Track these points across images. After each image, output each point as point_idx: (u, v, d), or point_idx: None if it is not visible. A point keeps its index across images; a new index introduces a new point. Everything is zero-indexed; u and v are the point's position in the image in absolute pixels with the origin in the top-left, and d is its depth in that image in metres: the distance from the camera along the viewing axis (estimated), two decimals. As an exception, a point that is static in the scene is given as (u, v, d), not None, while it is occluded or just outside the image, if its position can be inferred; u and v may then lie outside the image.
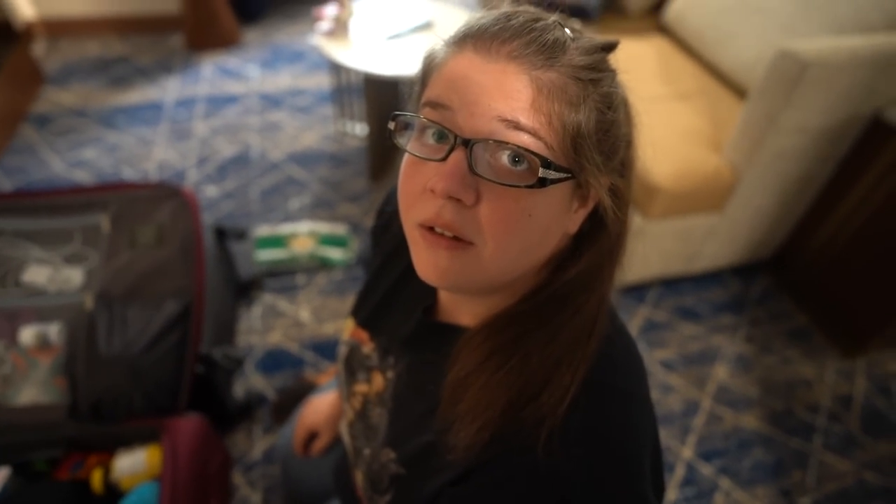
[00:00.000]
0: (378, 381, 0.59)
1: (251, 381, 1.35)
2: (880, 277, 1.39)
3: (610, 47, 0.41)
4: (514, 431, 0.41)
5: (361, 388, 0.61)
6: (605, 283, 0.44)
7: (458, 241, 0.38)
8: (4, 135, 1.95)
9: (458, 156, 0.36)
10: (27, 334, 0.99)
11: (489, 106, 0.36)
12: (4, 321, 1.00)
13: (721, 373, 1.45)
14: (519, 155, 0.36)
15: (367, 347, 0.61)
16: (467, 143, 0.36)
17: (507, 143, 0.35)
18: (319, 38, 1.69)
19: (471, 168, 0.36)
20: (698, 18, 1.80)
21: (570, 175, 0.37)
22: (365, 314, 0.62)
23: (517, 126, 0.35)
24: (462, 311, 0.51)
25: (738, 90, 1.66)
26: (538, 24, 0.38)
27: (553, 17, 0.40)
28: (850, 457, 1.31)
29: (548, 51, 0.37)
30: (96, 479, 0.93)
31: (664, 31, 1.97)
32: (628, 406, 0.44)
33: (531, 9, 0.40)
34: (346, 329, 0.67)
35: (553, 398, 0.40)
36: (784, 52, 1.21)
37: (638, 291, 1.64)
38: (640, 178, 1.41)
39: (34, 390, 0.97)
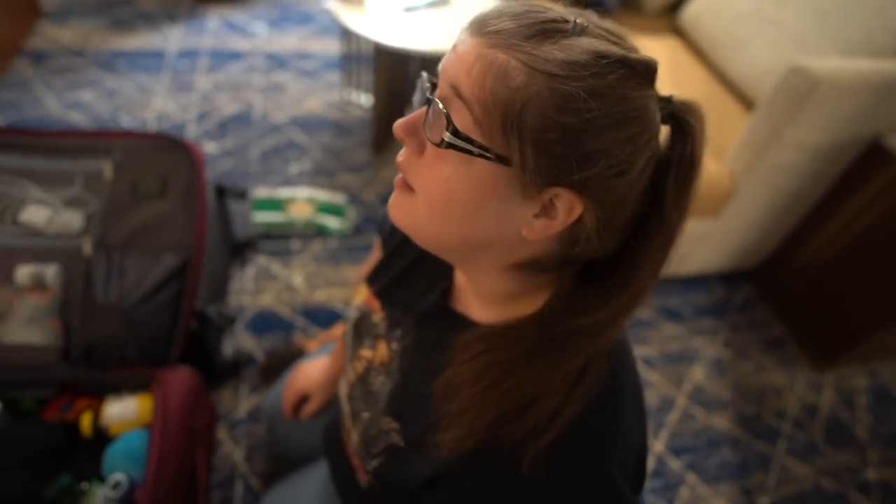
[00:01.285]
0: (383, 350, 0.61)
1: (240, 341, 1.36)
2: (858, 297, 1.45)
3: (628, 63, 0.36)
4: (496, 446, 0.43)
5: (366, 353, 0.63)
6: (615, 331, 0.44)
7: (405, 185, 0.43)
8: (-1, 67, 1.89)
9: (422, 109, 0.42)
10: (23, 273, 0.97)
11: (449, 72, 0.39)
12: (1, 258, 0.98)
13: (698, 374, 1.50)
14: (447, 117, 0.38)
15: (377, 316, 0.63)
16: (429, 102, 0.40)
17: (434, 99, 0.39)
18: (333, 3, 1.66)
19: (424, 121, 0.41)
20: (713, 23, 1.81)
21: (485, 154, 0.37)
22: (381, 285, 0.63)
23: (457, 92, 0.38)
24: (472, 304, 0.52)
25: (744, 99, 1.68)
26: (538, 15, 0.37)
27: (570, 18, 0.38)
28: (810, 463, 1.37)
29: (521, 36, 0.37)
30: (86, 422, 0.93)
31: (679, 32, 1.98)
32: (618, 437, 0.46)
33: (558, 8, 0.39)
34: (358, 294, 0.68)
35: (538, 420, 0.42)
36: (797, 67, 1.23)
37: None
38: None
39: (27, 330, 0.96)
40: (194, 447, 1.01)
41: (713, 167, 1.44)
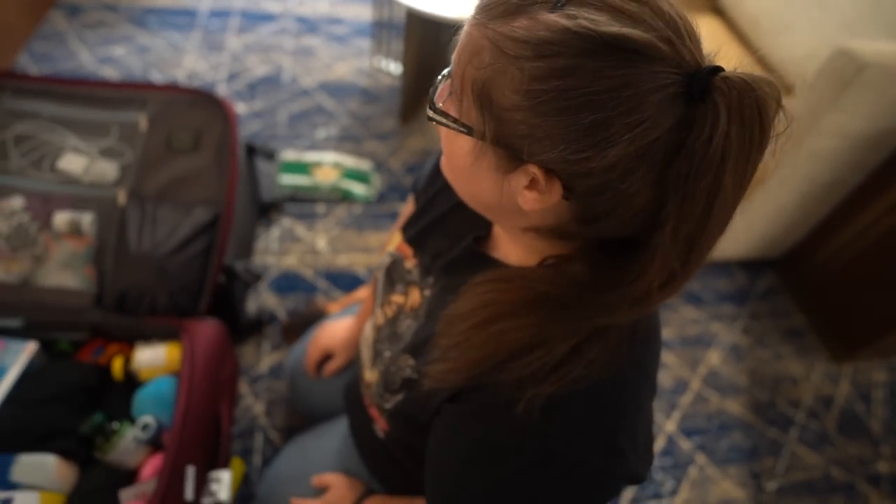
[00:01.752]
0: (415, 295, 0.62)
1: (263, 299, 1.39)
2: (882, 291, 1.42)
3: (601, 38, 0.33)
4: (493, 381, 0.44)
5: (398, 298, 0.65)
6: (625, 314, 0.42)
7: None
8: (34, 18, 1.90)
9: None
10: (60, 220, 1.00)
11: (458, 43, 0.41)
12: (39, 204, 1.01)
13: (714, 358, 1.50)
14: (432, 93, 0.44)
15: (410, 263, 0.64)
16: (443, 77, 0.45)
17: (444, 74, 0.44)
18: (369, -34, 1.63)
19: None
20: (757, 3, 1.74)
21: (456, 127, 0.41)
22: (414, 232, 0.65)
23: (450, 72, 0.42)
24: (510, 249, 0.53)
25: (783, 85, 1.63)
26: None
27: None
28: (821, 452, 1.37)
29: (497, 12, 0.37)
30: (117, 365, 0.97)
31: (719, 13, 1.92)
32: (636, 414, 0.47)
33: None
34: (392, 241, 0.69)
35: (536, 368, 0.42)
36: (842, 50, 1.19)
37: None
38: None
39: (63, 274, 1.00)
40: (218, 396, 1.04)
41: (746, 151, 1.41)
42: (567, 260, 0.46)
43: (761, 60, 1.71)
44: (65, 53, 1.86)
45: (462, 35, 0.40)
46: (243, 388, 1.24)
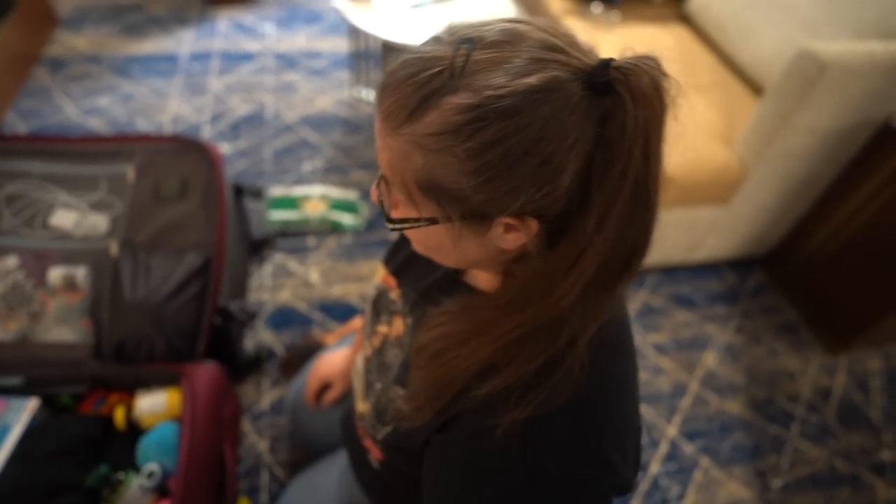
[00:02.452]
0: (398, 325, 0.64)
1: (261, 336, 1.40)
2: (869, 280, 1.45)
3: (508, 95, 0.36)
4: (462, 412, 0.47)
5: (383, 329, 0.67)
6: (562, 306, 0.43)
7: None
8: (19, 76, 1.94)
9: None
10: (55, 275, 1.02)
11: (380, 159, 0.43)
12: (33, 261, 1.03)
13: (710, 359, 1.52)
14: (382, 206, 0.46)
15: (395, 293, 0.67)
16: (378, 183, 0.46)
17: (379, 183, 0.45)
18: (341, 1, 1.68)
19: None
20: (721, 9, 1.80)
21: (420, 222, 0.43)
22: (396, 263, 0.67)
23: (386, 179, 0.44)
24: (479, 276, 0.56)
25: (754, 85, 1.68)
26: (418, 77, 0.38)
27: (448, 59, 0.37)
28: (824, 445, 1.39)
29: (405, 115, 0.38)
30: (119, 415, 0.98)
31: (686, 20, 1.98)
32: (616, 423, 0.48)
33: (436, 48, 0.39)
34: (377, 274, 0.72)
35: (505, 390, 0.44)
36: (804, 51, 1.24)
37: (638, 276, 1.69)
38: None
39: (61, 329, 1.01)
40: (221, 438, 1.05)
41: (722, 154, 1.44)
42: (522, 258, 0.47)
43: (731, 64, 1.76)
44: (51, 108, 1.90)
45: (381, 148, 0.41)
46: (246, 426, 1.25)
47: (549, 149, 0.37)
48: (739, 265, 1.75)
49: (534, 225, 0.41)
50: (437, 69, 0.37)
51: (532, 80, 0.36)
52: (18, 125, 1.82)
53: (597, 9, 1.91)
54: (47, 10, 2.19)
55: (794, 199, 1.56)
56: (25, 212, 1.08)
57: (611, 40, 1.83)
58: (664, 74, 0.38)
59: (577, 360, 0.45)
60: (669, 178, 1.40)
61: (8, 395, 0.95)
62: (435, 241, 0.46)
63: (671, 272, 1.72)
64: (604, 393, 0.48)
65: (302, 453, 1.21)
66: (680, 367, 1.49)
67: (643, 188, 0.39)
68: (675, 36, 1.88)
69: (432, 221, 0.43)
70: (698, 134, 1.49)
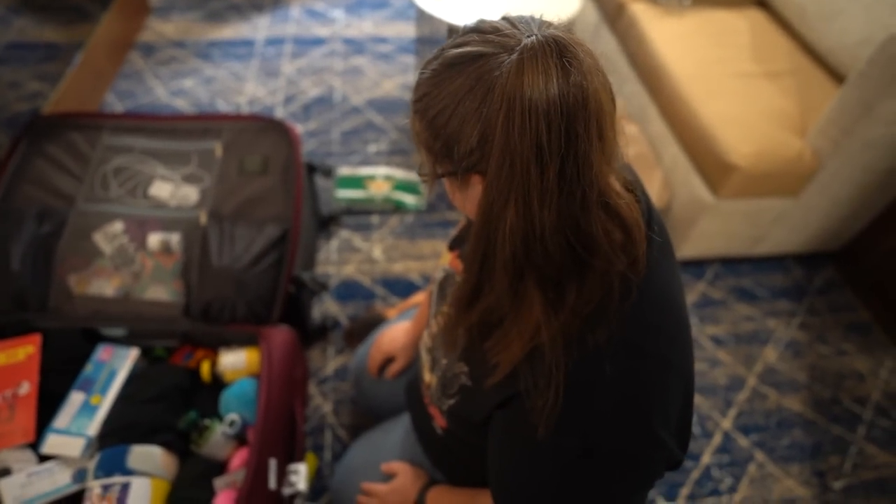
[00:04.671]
0: None
1: (327, 307, 1.49)
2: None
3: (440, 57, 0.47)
4: (520, 390, 0.50)
5: (448, 310, 0.71)
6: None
7: None
8: (117, 61, 2.11)
9: None
10: (153, 240, 1.14)
11: None
12: (135, 227, 1.15)
13: (771, 355, 1.48)
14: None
15: (460, 277, 0.71)
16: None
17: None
18: (412, -12, 1.72)
19: None
20: (803, -8, 1.71)
21: (427, 176, 0.52)
22: (461, 247, 0.71)
23: (417, 144, 0.52)
24: None
25: (835, 73, 1.59)
26: (422, 73, 0.48)
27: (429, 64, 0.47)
28: (893, 451, 1.33)
29: (413, 98, 0.49)
30: (205, 368, 1.08)
31: (764, 5, 1.89)
32: (648, 366, 0.50)
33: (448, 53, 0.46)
34: (443, 257, 0.76)
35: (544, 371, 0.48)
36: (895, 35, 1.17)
37: (697, 267, 1.66)
38: (715, 154, 1.41)
39: (157, 288, 1.13)
40: (293, 396, 1.14)
41: (795, 144, 1.39)
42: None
43: (811, 50, 1.68)
44: (143, 89, 2.06)
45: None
46: (312, 389, 1.35)
47: (459, 111, 0.44)
48: (808, 260, 1.69)
49: (477, 182, 0.47)
50: (430, 56, 0.48)
51: (471, 49, 0.44)
52: (116, 105, 1.99)
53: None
54: (140, -1, 2.37)
55: (873, 193, 1.48)
56: (129, 182, 1.20)
57: (679, 25, 1.78)
58: (572, 36, 0.43)
59: (600, 335, 0.48)
60: (736, 168, 1.40)
61: (113, 343, 1.08)
62: (451, 196, 0.53)
63: (732, 264, 1.67)
64: (640, 368, 0.50)
65: (363, 417, 1.29)
66: (738, 361, 1.47)
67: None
68: (751, 20, 1.80)
69: (437, 176, 0.50)
70: (768, 122, 1.44)
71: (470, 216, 0.53)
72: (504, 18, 0.45)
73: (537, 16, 0.45)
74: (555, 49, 0.41)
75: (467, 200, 0.50)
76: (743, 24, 1.78)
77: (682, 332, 0.54)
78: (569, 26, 0.45)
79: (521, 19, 0.44)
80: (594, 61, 0.43)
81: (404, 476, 0.85)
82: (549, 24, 0.44)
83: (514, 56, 0.41)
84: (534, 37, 0.41)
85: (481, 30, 0.45)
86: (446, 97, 0.44)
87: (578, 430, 0.49)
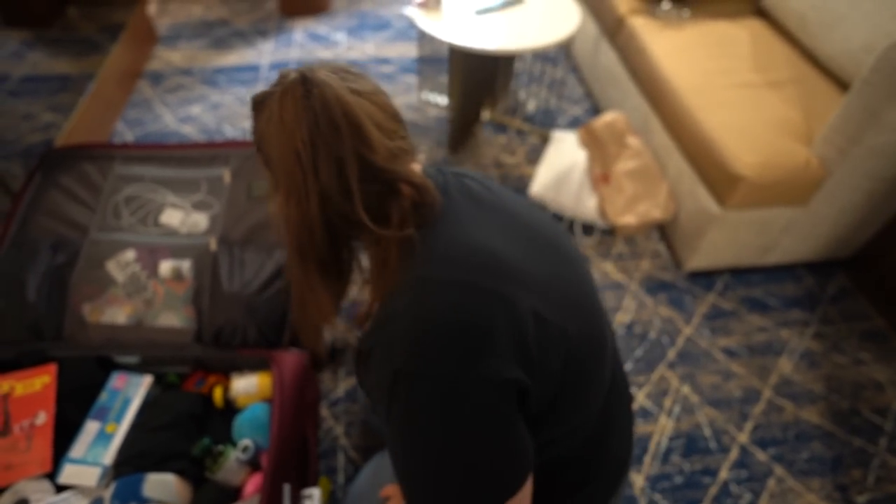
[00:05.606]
0: None
1: (337, 328, 1.50)
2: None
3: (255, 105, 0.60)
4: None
5: None
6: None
7: None
8: (127, 89, 2.16)
9: None
10: (165, 267, 1.15)
11: None
12: (147, 255, 1.17)
13: (785, 366, 1.46)
14: None
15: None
16: None
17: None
18: (412, 9, 1.75)
19: None
20: (802, 0, 1.72)
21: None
22: None
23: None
24: None
25: (838, 80, 1.60)
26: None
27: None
28: (915, 461, 1.30)
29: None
30: (218, 394, 1.09)
31: (763, 13, 1.90)
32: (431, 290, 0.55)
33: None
34: None
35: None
36: (896, 45, 1.17)
37: (706, 278, 1.65)
38: (721, 165, 1.41)
39: (170, 315, 1.14)
40: (305, 419, 1.14)
41: (801, 153, 1.39)
42: None
43: (813, 58, 1.68)
44: (152, 117, 2.10)
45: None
46: (324, 411, 1.34)
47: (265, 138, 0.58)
48: (819, 268, 1.67)
49: None
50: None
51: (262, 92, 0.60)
52: (126, 133, 2.03)
53: (666, 6, 1.88)
54: (150, 28, 2.42)
55: (882, 200, 1.47)
56: (140, 211, 1.22)
57: (678, 38, 1.79)
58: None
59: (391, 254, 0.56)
60: (742, 178, 1.40)
61: (127, 371, 1.09)
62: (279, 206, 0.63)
63: (742, 274, 1.66)
64: (439, 295, 0.53)
65: (376, 438, 1.28)
66: (752, 373, 1.45)
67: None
68: (750, 30, 1.81)
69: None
70: (773, 132, 1.44)
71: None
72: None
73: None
74: (300, 82, 0.54)
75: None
76: (743, 34, 1.79)
77: (486, 258, 0.57)
78: (348, 68, 0.60)
79: (310, 63, 0.58)
80: (351, 86, 0.56)
81: (395, 499, 0.84)
82: (328, 67, 0.58)
83: (279, 90, 0.55)
84: (293, 75, 0.55)
85: (279, 76, 0.58)
86: (258, 130, 0.59)
87: (386, 359, 0.53)
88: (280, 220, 0.58)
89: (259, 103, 0.59)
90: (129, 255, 1.16)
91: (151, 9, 2.63)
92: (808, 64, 1.68)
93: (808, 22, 1.69)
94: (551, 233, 0.67)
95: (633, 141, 1.73)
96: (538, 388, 0.55)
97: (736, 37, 1.79)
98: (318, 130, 0.53)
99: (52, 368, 1.03)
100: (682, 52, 1.74)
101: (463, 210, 0.62)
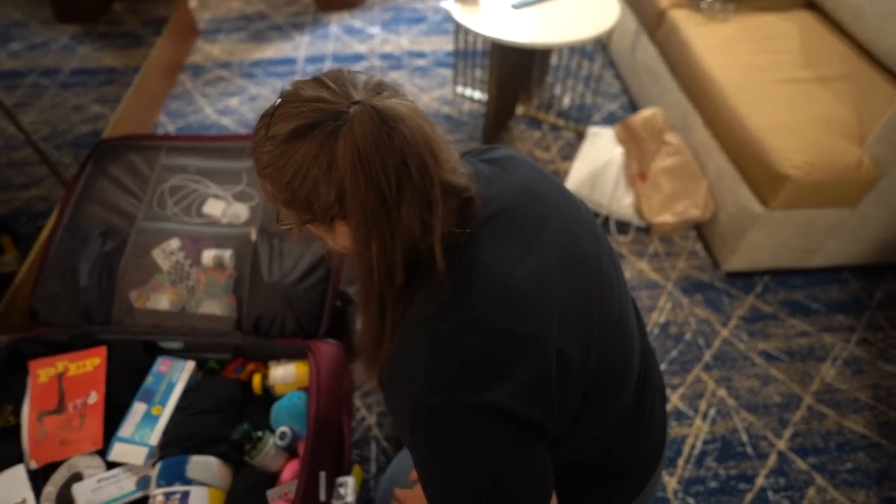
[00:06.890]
0: None
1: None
2: None
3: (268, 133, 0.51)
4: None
5: None
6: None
7: None
8: (169, 82, 2.22)
9: None
10: (207, 256, 1.18)
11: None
12: (191, 244, 1.20)
13: (828, 372, 1.42)
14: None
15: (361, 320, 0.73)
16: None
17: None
18: (450, 2, 1.75)
19: None
20: (857, -6, 1.65)
21: (293, 223, 0.56)
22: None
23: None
24: None
25: (895, 76, 1.53)
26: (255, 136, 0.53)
27: (266, 120, 0.51)
28: (966, 476, 1.25)
29: (253, 159, 0.54)
30: (257, 381, 1.12)
31: (814, 7, 1.83)
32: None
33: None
34: None
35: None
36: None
37: (745, 280, 1.61)
38: (765, 164, 1.37)
39: (211, 303, 1.17)
40: (340, 409, 1.16)
41: (852, 152, 1.34)
42: None
43: (868, 52, 1.61)
44: (192, 109, 2.15)
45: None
46: (357, 402, 1.36)
47: (311, 176, 0.49)
48: (867, 272, 1.61)
49: (342, 225, 0.53)
50: (260, 126, 0.52)
51: (297, 124, 0.49)
52: (168, 124, 2.08)
53: (711, -1, 1.82)
54: (191, 22, 2.48)
55: (939, 203, 1.41)
56: (184, 201, 1.26)
57: (722, 31, 1.74)
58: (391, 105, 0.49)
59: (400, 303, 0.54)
60: (788, 178, 1.37)
61: (171, 356, 1.12)
62: (318, 234, 0.58)
63: (783, 276, 1.61)
64: (459, 328, 0.52)
65: (406, 430, 1.30)
66: (792, 378, 1.41)
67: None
68: (800, 24, 1.75)
69: (303, 223, 0.54)
70: (822, 129, 1.39)
71: (342, 250, 0.59)
72: (320, 82, 0.51)
73: (348, 73, 0.52)
74: (377, 118, 0.48)
75: (337, 238, 0.56)
76: (792, 28, 1.73)
77: (513, 295, 0.54)
78: (382, 81, 0.53)
79: (338, 79, 0.50)
80: (410, 106, 0.51)
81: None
82: (368, 85, 0.50)
83: (345, 127, 0.47)
84: (357, 106, 0.48)
85: (306, 98, 0.50)
86: (294, 165, 0.49)
87: (407, 389, 0.52)
88: (354, 264, 0.54)
89: (301, 136, 0.49)
90: (174, 243, 1.20)
91: (193, 3, 2.69)
92: (862, 59, 1.61)
93: (864, 14, 1.62)
94: (583, 241, 0.63)
95: (671, 138, 1.69)
96: (557, 422, 0.55)
97: (784, 30, 1.73)
98: (407, 170, 0.49)
99: (103, 351, 1.08)
100: (726, 46, 1.69)
101: (492, 228, 0.58)
